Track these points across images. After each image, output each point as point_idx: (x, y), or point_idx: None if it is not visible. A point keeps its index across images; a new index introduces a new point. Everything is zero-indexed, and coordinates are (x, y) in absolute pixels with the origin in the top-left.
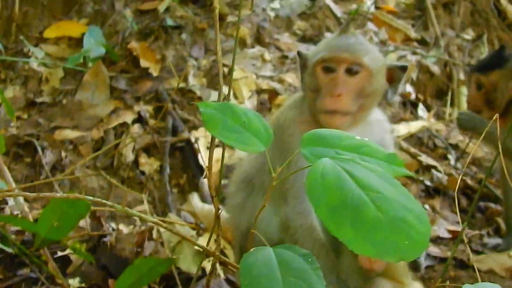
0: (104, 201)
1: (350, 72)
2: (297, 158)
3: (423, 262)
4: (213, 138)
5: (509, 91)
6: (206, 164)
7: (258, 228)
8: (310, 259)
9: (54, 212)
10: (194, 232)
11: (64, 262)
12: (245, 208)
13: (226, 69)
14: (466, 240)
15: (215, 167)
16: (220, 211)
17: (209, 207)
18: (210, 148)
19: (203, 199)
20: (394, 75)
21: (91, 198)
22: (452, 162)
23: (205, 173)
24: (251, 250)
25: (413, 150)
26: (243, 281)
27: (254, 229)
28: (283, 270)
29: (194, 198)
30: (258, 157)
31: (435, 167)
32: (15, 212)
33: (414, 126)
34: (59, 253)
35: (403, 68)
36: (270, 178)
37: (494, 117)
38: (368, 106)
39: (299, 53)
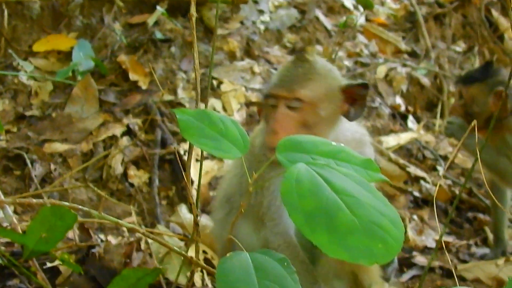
0: (92, 210)
1: (290, 107)
2: (268, 184)
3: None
4: (190, 147)
5: (488, 106)
6: (195, 176)
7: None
8: (286, 264)
9: (42, 224)
10: (182, 243)
11: (53, 273)
12: (226, 225)
13: (215, 82)
14: (454, 249)
15: (204, 179)
16: (199, 218)
17: (218, 223)
18: (188, 155)
19: (192, 211)
20: (355, 94)
21: (80, 207)
22: (441, 173)
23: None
24: (228, 254)
25: (402, 161)
26: (219, 286)
27: (231, 249)
28: (259, 274)
29: (183, 209)
30: (234, 178)
31: (423, 178)
32: (4, 224)
33: (403, 138)
34: (48, 264)
35: (364, 85)
36: (240, 199)
37: (472, 124)
38: (320, 134)
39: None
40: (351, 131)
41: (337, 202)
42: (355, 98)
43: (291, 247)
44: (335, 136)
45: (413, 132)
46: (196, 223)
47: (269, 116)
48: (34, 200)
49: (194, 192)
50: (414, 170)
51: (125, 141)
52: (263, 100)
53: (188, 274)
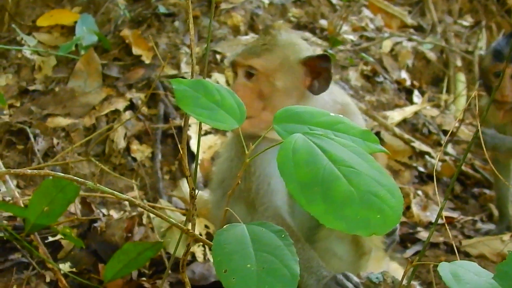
0: (89, 182)
1: (248, 76)
2: (254, 169)
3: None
4: (186, 119)
5: None
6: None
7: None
8: (283, 235)
9: (44, 197)
10: (184, 218)
11: (55, 247)
12: (221, 207)
13: (218, 56)
14: (458, 225)
15: (207, 154)
16: (196, 192)
17: (199, 193)
18: (184, 126)
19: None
20: (317, 67)
21: (81, 180)
22: (448, 149)
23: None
24: (224, 226)
25: (406, 136)
26: (215, 258)
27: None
28: (256, 246)
29: (185, 184)
30: (225, 162)
31: (428, 153)
32: (7, 198)
33: (408, 111)
34: (50, 238)
35: (324, 57)
36: (233, 183)
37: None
38: (278, 106)
39: None
40: (330, 104)
41: (334, 172)
42: (319, 71)
43: (284, 227)
44: (333, 100)
45: (418, 105)
46: (192, 196)
47: (231, 86)
48: (35, 171)
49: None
50: (419, 145)
51: (128, 115)
52: (230, 69)
53: (185, 246)
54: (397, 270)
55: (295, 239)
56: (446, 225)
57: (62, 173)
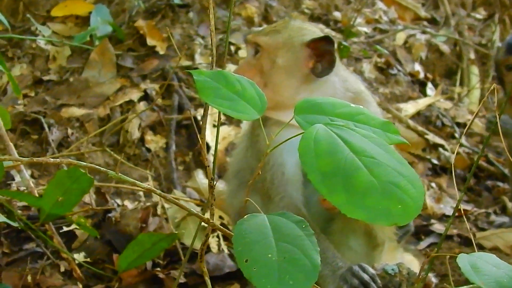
0: (109, 171)
1: (255, 53)
2: (268, 158)
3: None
4: (205, 109)
5: None
6: (212, 141)
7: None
8: (304, 226)
9: (58, 187)
10: (198, 209)
11: (69, 237)
12: (237, 195)
13: (233, 48)
14: (472, 218)
15: (221, 145)
16: (214, 182)
17: (228, 188)
18: (203, 117)
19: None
20: (320, 49)
21: (97, 167)
22: (462, 140)
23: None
24: (245, 216)
25: (420, 128)
26: (236, 247)
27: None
28: (276, 236)
29: (199, 174)
30: (241, 152)
31: (442, 146)
32: (21, 188)
33: (421, 103)
34: (65, 228)
35: (327, 39)
36: (248, 175)
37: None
38: (278, 84)
39: None
40: (341, 91)
41: (355, 162)
42: (323, 54)
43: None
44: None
45: (431, 97)
46: (211, 186)
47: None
48: (57, 159)
49: (211, 157)
50: (432, 137)
51: (142, 106)
52: None
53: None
54: (411, 262)
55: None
56: (464, 217)
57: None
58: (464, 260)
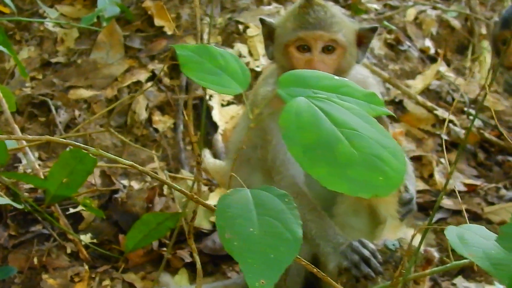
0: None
1: (326, 50)
2: (270, 137)
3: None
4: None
5: None
6: (220, 121)
7: None
8: (287, 199)
9: (63, 169)
10: (206, 188)
11: (76, 218)
12: (237, 173)
13: (241, 27)
14: (482, 193)
15: (229, 124)
16: (202, 157)
17: (220, 163)
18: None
19: (216, 156)
20: (364, 38)
21: (101, 152)
22: (471, 117)
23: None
24: (228, 191)
25: (429, 104)
26: (219, 222)
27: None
28: (259, 210)
29: (207, 154)
30: (241, 131)
31: (452, 121)
32: (28, 171)
33: (429, 75)
34: (71, 210)
35: (373, 30)
36: (250, 152)
37: None
38: (344, 75)
39: (261, 21)
40: (352, 74)
41: (336, 134)
42: (363, 41)
43: (299, 196)
44: (351, 75)
45: (438, 67)
46: (198, 163)
47: (297, 61)
48: (53, 138)
49: (219, 137)
50: (442, 113)
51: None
52: (284, 46)
53: (210, 219)
54: (416, 238)
55: (312, 208)
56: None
57: (83, 144)
58: (452, 232)
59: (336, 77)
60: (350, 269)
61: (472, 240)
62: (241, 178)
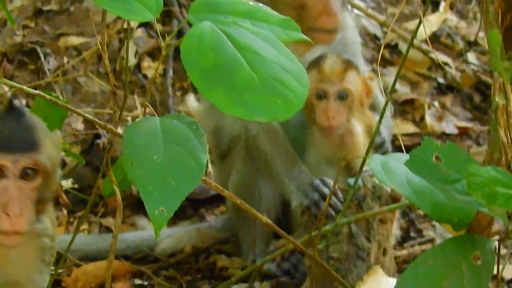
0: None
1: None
2: None
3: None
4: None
5: None
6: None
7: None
8: (194, 127)
9: (39, 114)
10: None
11: None
12: (209, 114)
13: None
14: (474, 135)
15: None
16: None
17: (196, 105)
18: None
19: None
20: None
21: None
22: (468, 59)
23: None
24: (137, 120)
25: (424, 46)
26: (125, 150)
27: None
28: (166, 138)
29: (191, 98)
30: None
31: (447, 64)
32: None
33: (434, 22)
34: None
35: None
36: None
37: None
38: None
39: None
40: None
41: (237, 58)
42: None
43: (269, 132)
44: None
45: (442, 14)
46: (113, 93)
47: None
48: (19, 85)
49: None
50: (437, 55)
51: (139, 32)
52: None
53: None
54: None
55: (280, 145)
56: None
57: (72, 91)
58: (376, 161)
59: (251, 2)
60: (310, 208)
61: (396, 168)
62: (212, 119)
